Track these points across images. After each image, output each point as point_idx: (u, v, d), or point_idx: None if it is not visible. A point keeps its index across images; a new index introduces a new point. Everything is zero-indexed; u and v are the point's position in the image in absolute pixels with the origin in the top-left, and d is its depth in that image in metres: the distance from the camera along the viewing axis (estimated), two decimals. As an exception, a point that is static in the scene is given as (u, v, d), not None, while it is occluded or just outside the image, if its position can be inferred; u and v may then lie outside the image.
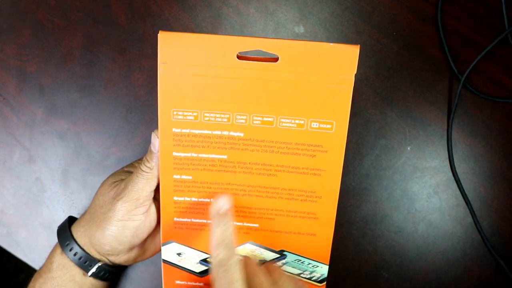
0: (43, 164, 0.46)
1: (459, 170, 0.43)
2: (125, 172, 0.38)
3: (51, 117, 0.45)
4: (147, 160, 0.34)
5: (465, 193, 0.43)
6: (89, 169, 0.45)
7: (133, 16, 0.45)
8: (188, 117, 0.33)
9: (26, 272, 1.02)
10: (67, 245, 0.37)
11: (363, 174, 0.44)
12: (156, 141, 0.34)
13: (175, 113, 0.33)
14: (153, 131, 0.34)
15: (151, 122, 0.45)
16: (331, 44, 0.31)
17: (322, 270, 0.37)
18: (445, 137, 0.43)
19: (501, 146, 0.43)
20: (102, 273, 0.37)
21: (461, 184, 0.43)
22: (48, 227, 0.46)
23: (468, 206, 0.43)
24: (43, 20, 0.45)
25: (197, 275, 0.37)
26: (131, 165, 0.39)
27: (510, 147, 0.43)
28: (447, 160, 0.43)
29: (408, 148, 0.44)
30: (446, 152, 0.43)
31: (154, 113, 0.45)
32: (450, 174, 0.43)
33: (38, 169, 0.46)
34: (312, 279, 0.37)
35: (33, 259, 0.46)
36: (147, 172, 0.34)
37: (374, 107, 0.44)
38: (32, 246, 0.46)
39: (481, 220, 0.43)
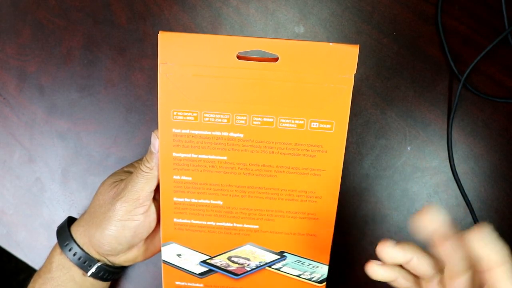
0: (43, 164, 0.46)
1: (459, 170, 0.43)
2: (125, 172, 0.38)
3: (51, 117, 0.45)
4: (147, 160, 0.34)
5: (465, 193, 0.43)
6: (89, 169, 0.45)
7: (133, 16, 0.45)
8: (188, 118, 0.33)
9: (26, 272, 1.02)
10: (66, 245, 0.37)
11: (363, 174, 0.44)
12: (156, 142, 0.34)
13: (175, 113, 0.33)
14: (153, 131, 0.34)
15: (151, 122, 0.45)
16: (331, 44, 0.31)
17: (322, 270, 0.37)
18: (445, 137, 0.43)
19: (501, 146, 0.43)
20: (101, 273, 0.37)
21: (461, 184, 0.43)
22: (48, 227, 0.46)
23: (468, 206, 0.43)
24: (43, 20, 0.45)
25: (197, 276, 0.37)
26: (131, 165, 0.39)
27: (510, 147, 0.43)
28: (447, 160, 0.43)
29: (408, 148, 0.44)
30: (446, 152, 0.43)
31: (154, 113, 0.45)
32: (450, 174, 0.43)
33: (38, 169, 0.46)
34: (312, 279, 0.37)
35: (33, 259, 0.46)
36: (147, 172, 0.34)
37: (374, 107, 0.44)
38: (32, 246, 0.46)
39: (481, 220, 0.43)
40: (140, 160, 0.37)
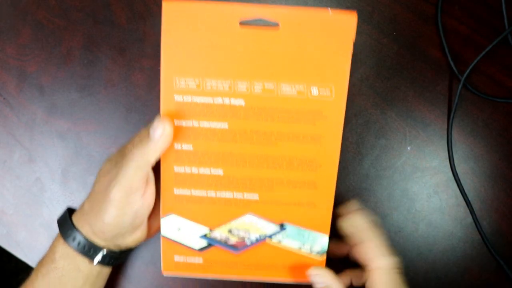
0: (43, 164, 0.46)
1: (459, 170, 0.43)
2: (120, 155, 0.36)
3: (51, 117, 0.45)
4: (141, 145, 0.33)
5: (465, 193, 0.43)
6: (89, 169, 0.45)
7: (133, 16, 0.45)
8: (190, 85, 0.34)
9: (26, 272, 1.01)
10: (69, 235, 0.36)
11: (363, 174, 0.44)
12: (158, 130, 0.33)
13: (177, 80, 0.33)
14: (157, 116, 0.33)
15: (151, 122, 0.45)
16: (330, 12, 0.32)
17: (323, 241, 0.36)
18: (445, 137, 0.43)
19: (501, 146, 0.43)
20: (107, 259, 0.37)
21: (461, 184, 0.43)
22: (48, 227, 0.46)
23: (468, 206, 0.43)
24: (43, 20, 0.45)
25: (196, 251, 0.37)
26: (125, 146, 0.37)
27: (510, 147, 0.43)
28: (447, 160, 0.43)
29: (408, 148, 0.44)
30: (446, 152, 0.43)
31: (154, 113, 0.45)
32: (450, 174, 0.43)
33: (38, 169, 0.46)
34: (313, 251, 0.37)
35: (33, 259, 0.46)
36: (139, 158, 0.33)
37: (374, 107, 0.44)
38: (32, 246, 0.46)
39: (481, 220, 0.43)
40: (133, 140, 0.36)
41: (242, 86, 0.33)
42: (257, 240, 0.36)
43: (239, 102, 0.34)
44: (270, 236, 0.36)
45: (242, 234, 0.36)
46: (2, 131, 0.46)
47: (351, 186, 0.44)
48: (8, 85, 0.46)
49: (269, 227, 0.36)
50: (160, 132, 0.33)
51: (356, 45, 0.43)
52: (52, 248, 0.37)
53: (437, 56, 0.43)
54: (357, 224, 0.36)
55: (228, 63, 0.33)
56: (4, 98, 0.46)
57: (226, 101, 0.34)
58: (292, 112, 0.34)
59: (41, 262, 0.38)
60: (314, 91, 0.34)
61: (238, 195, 0.35)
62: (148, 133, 0.33)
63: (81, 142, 0.45)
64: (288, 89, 0.34)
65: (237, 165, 0.35)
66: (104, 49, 0.45)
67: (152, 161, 0.34)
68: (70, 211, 0.39)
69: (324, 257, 0.37)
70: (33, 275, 0.37)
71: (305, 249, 0.37)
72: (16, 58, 0.46)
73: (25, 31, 0.45)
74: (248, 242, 0.36)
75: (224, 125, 0.34)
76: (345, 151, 0.44)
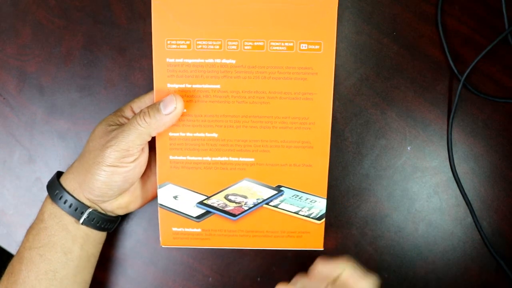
0: (43, 164, 0.46)
1: (459, 170, 0.43)
2: (117, 117, 0.37)
3: (51, 117, 0.45)
4: (149, 115, 0.33)
5: (465, 193, 0.43)
6: (89, 169, 0.45)
7: (133, 16, 0.45)
8: (181, 46, 0.34)
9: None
10: (56, 194, 0.36)
11: (363, 174, 0.44)
12: (171, 105, 0.33)
13: (168, 42, 0.34)
14: (173, 94, 0.33)
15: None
16: None
17: (320, 205, 0.36)
18: (445, 137, 0.43)
19: (501, 146, 0.43)
20: (94, 220, 0.37)
21: (461, 184, 0.43)
22: (48, 227, 0.46)
23: (468, 206, 0.43)
24: (43, 20, 0.45)
25: (194, 220, 0.37)
26: (122, 112, 0.38)
27: (510, 147, 0.43)
28: (447, 160, 0.43)
29: (408, 148, 0.44)
30: (446, 152, 0.43)
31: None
32: (450, 174, 0.43)
33: (38, 169, 0.46)
34: (311, 216, 0.36)
35: (33, 259, 0.46)
36: (143, 127, 0.33)
37: (374, 107, 0.44)
38: (32, 246, 0.46)
39: (481, 220, 0.43)
40: (133, 102, 0.37)
41: (232, 45, 0.34)
42: (254, 205, 0.36)
43: (230, 61, 0.34)
44: (267, 202, 0.36)
45: (239, 199, 0.36)
46: (2, 131, 0.46)
47: (351, 186, 0.44)
48: (8, 85, 0.46)
49: (266, 191, 0.36)
50: (172, 109, 0.33)
51: (356, 45, 0.43)
52: (41, 209, 0.37)
53: (437, 56, 0.43)
54: (328, 271, 0.34)
55: (218, 23, 0.33)
56: (4, 98, 0.46)
57: (217, 61, 0.34)
58: (282, 68, 0.34)
59: (31, 225, 0.38)
60: (303, 46, 0.34)
61: (233, 159, 0.35)
62: (159, 107, 0.33)
63: (81, 142, 0.45)
64: (277, 44, 0.34)
65: (231, 127, 0.35)
66: (104, 49, 0.45)
67: (154, 134, 0.34)
68: (59, 175, 0.39)
69: (323, 221, 0.37)
70: (24, 238, 0.37)
71: (303, 213, 0.36)
72: (16, 58, 0.46)
73: (25, 31, 0.45)
74: (245, 208, 0.36)
75: (216, 86, 0.34)
76: (345, 151, 0.44)
